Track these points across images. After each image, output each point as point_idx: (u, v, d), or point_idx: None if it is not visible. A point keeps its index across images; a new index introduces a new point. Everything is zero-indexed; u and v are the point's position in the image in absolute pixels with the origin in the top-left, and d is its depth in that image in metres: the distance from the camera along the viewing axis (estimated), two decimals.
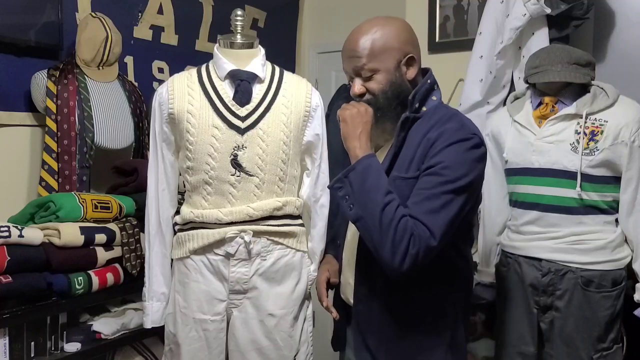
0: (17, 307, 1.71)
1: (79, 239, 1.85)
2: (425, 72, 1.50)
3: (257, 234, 1.69)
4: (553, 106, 1.98)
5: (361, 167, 1.37)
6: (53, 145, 2.07)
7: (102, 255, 1.93)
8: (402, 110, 1.43)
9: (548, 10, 2.27)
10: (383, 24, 1.44)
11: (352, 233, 1.54)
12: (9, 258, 1.68)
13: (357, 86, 1.45)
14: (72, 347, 1.86)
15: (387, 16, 1.49)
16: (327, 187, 1.56)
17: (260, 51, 1.77)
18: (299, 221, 1.80)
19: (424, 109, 1.45)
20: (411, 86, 1.45)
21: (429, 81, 1.46)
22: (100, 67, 2.19)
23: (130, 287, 2.02)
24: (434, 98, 1.47)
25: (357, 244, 1.49)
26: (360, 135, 1.42)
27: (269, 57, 1.80)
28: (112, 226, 1.98)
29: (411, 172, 1.38)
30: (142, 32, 2.56)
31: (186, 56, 2.76)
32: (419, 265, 1.29)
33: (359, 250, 1.49)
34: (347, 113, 1.44)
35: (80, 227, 1.87)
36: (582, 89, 1.97)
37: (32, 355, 1.78)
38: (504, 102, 2.41)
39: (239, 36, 1.75)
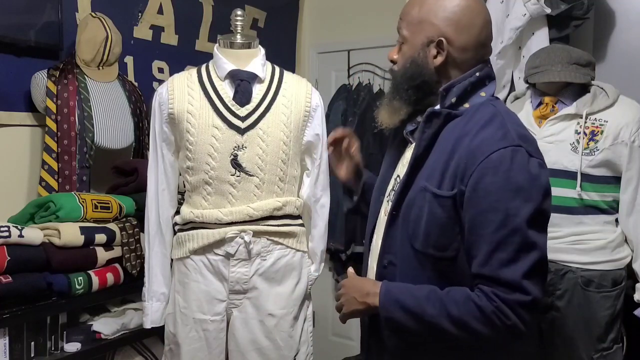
0: (17, 307, 1.71)
1: (79, 239, 1.85)
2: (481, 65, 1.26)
3: (257, 234, 1.69)
4: (553, 106, 1.98)
5: (390, 308, 1.18)
6: (53, 145, 2.07)
7: (102, 255, 1.93)
8: (416, 95, 1.26)
9: (548, 10, 2.27)
10: None
11: (378, 237, 1.34)
12: (9, 258, 1.68)
13: (392, 51, 1.30)
14: (72, 347, 1.86)
15: None
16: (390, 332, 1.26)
17: (260, 51, 1.77)
18: (299, 221, 1.80)
19: (466, 105, 1.23)
20: (438, 75, 1.24)
21: (477, 74, 1.23)
22: (100, 67, 2.19)
23: (130, 287, 2.01)
24: (482, 94, 1.24)
25: (380, 251, 1.30)
26: (361, 302, 1.24)
27: (269, 57, 1.80)
28: (112, 226, 1.98)
29: (445, 188, 1.16)
30: (142, 32, 2.56)
31: (186, 56, 2.75)
32: (529, 324, 1.09)
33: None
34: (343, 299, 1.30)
35: (80, 227, 1.87)
36: (582, 89, 1.97)
37: (32, 355, 1.78)
38: (504, 102, 2.41)
39: (239, 36, 1.75)
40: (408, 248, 1.22)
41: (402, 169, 1.31)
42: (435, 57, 1.22)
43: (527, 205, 1.09)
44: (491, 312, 1.09)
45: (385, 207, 1.34)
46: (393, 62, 1.30)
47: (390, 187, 1.35)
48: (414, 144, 1.28)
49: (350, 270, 1.38)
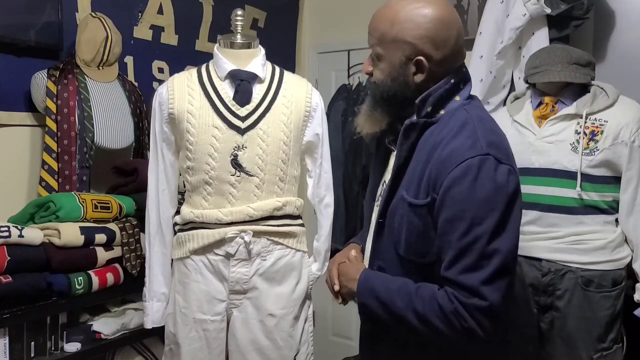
0: (17, 307, 1.71)
1: (79, 239, 1.85)
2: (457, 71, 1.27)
3: (257, 234, 1.69)
4: (553, 106, 1.98)
5: (364, 294, 1.26)
6: (53, 145, 2.07)
7: (102, 255, 1.93)
8: (395, 110, 1.28)
9: (548, 10, 2.27)
10: (411, 7, 1.22)
11: (371, 244, 1.38)
12: (9, 258, 1.68)
13: (366, 64, 1.32)
14: (72, 347, 1.86)
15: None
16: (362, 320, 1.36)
17: (260, 51, 1.77)
18: (299, 221, 1.80)
19: (442, 112, 1.24)
20: (419, 91, 1.24)
21: (452, 80, 1.24)
22: (100, 67, 2.19)
23: (130, 287, 2.01)
24: (457, 98, 1.25)
25: (370, 256, 1.36)
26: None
27: (269, 57, 1.80)
28: (112, 226, 1.98)
29: (421, 197, 1.19)
30: (142, 32, 2.56)
31: (186, 56, 2.75)
32: (489, 330, 1.12)
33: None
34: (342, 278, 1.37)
35: (80, 227, 1.87)
36: (582, 89, 1.97)
37: (32, 355, 1.78)
38: (504, 102, 2.41)
39: (239, 36, 1.75)
40: (393, 254, 1.27)
41: (388, 175, 1.35)
42: (415, 73, 1.23)
43: (492, 214, 1.12)
44: (450, 313, 1.13)
45: (376, 212, 1.38)
46: (369, 74, 1.31)
47: (379, 192, 1.39)
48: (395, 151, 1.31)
49: (352, 245, 1.47)
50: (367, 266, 1.36)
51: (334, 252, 3.08)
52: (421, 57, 1.21)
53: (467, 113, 1.23)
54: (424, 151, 1.22)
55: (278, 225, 1.73)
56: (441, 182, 1.15)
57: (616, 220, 1.94)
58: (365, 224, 1.46)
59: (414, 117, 1.24)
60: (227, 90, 1.70)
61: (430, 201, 1.17)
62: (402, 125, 1.26)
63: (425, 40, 1.21)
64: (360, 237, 1.52)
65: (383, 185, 1.37)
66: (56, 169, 2.07)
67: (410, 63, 1.23)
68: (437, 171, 1.17)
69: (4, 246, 1.69)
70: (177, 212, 1.79)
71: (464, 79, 1.28)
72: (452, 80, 1.25)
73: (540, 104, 2.01)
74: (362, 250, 1.45)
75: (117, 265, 1.98)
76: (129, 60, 2.51)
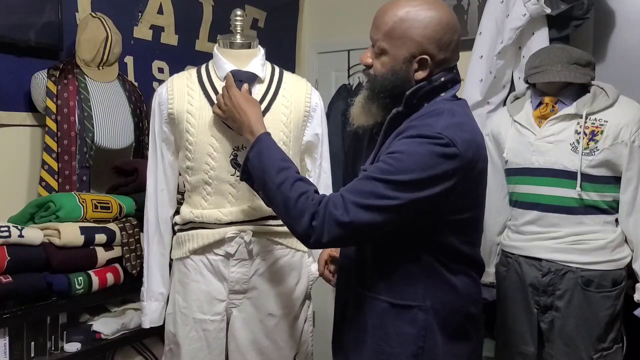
0: (17, 307, 1.71)
1: (79, 239, 1.85)
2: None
3: (256, 234, 1.69)
4: (553, 106, 1.98)
5: (253, 152, 1.41)
6: (53, 145, 2.07)
7: (102, 255, 1.93)
8: (392, 104, 1.33)
9: (548, 10, 2.27)
10: (420, 8, 1.28)
11: None
12: (9, 258, 1.68)
13: (366, 55, 1.36)
14: (72, 347, 1.86)
15: (437, 1, 1.32)
16: (240, 179, 1.51)
17: (260, 51, 1.77)
18: None
19: (425, 104, 1.32)
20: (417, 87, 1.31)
21: (442, 79, 1.31)
22: (100, 67, 2.19)
23: (130, 287, 2.01)
24: (442, 94, 1.32)
25: None
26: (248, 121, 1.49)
27: (269, 57, 1.79)
28: (112, 226, 1.98)
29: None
30: (142, 32, 2.56)
31: (186, 56, 2.75)
32: (332, 238, 1.22)
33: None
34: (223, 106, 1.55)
35: (80, 227, 1.87)
36: (582, 89, 1.97)
37: (32, 355, 1.78)
38: (504, 102, 2.41)
39: (238, 36, 1.75)
40: None
41: None
42: (416, 71, 1.30)
43: (409, 175, 1.19)
44: (310, 204, 1.24)
45: None
46: (367, 66, 1.36)
47: None
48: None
49: (245, 87, 1.61)
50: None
51: None
52: (426, 56, 1.28)
53: (442, 106, 1.30)
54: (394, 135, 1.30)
55: (278, 225, 1.72)
56: (392, 146, 1.25)
57: (616, 220, 1.94)
58: None
59: (400, 108, 1.31)
60: None
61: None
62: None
63: (432, 41, 1.27)
64: None
65: None
66: (56, 169, 2.07)
67: (414, 60, 1.29)
68: (392, 142, 1.27)
69: (4, 246, 1.69)
70: (177, 212, 1.79)
71: (454, 80, 1.34)
72: (442, 79, 1.31)
73: (540, 104, 2.01)
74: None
75: (117, 265, 1.98)
76: (129, 60, 2.51)
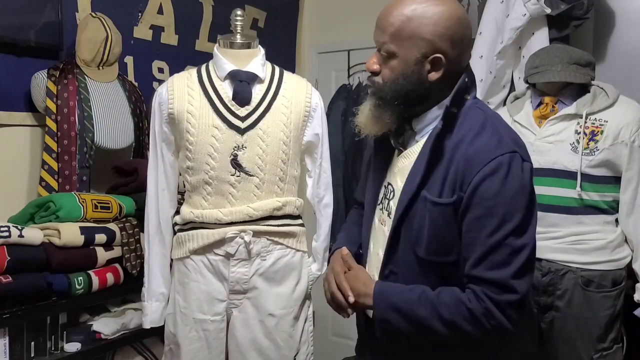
0: (17, 307, 1.71)
1: (79, 239, 1.85)
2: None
3: (257, 234, 1.69)
4: (553, 106, 1.98)
5: (383, 309, 1.23)
6: (53, 145, 2.07)
7: (102, 255, 1.93)
8: (406, 109, 1.25)
9: (548, 10, 2.27)
10: (427, 4, 1.19)
11: (375, 245, 1.36)
12: (9, 258, 1.68)
13: (372, 61, 1.26)
14: (72, 347, 1.86)
15: None
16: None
17: (260, 51, 1.77)
18: (299, 221, 1.80)
19: (454, 110, 1.23)
20: (431, 89, 1.22)
21: (466, 79, 1.23)
22: (100, 67, 2.19)
23: (130, 287, 2.01)
24: (466, 97, 1.24)
25: (383, 262, 1.31)
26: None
27: (269, 57, 1.80)
28: (112, 226, 1.98)
29: (445, 195, 1.18)
30: (142, 32, 2.56)
31: (186, 56, 2.75)
32: (517, 322, 1.13)
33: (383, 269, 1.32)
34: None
35: (80, 227, 1.87)
36: (582, 89, 1.97)
37: (32, 355, 1.78)
38: (504, 102, 2.41)
39: (238, 36, 1.75)
40: (411, 256, 1.24)
41: (393, 177, 1.32)
42: (429, 72, 1.21)
43: (520, 211, 1.14)
44: (480, 314, 1.13)
45: (380, 215, 1.35)
46: (374, 73, 1.26)
47: (381, 194, 1.36)
48: (404, 151, 1.30)
49: (345, 251, 1.39)
50: (374, 273, 1.33)
51: (334, 251, 3.08)
52: (440, 55, 1.19)
53: (482, 112, 1.23)
54: (445, 150, 1.20)
55: (278, 225, 1.73)
56: (469, 180, 1.15)
57: (616, 220, 1.94)
58: (363, 228, 1.42)
59: (441, 123, 1.21)
60: (226, 91, 1.70)
61: (457, 199, 1.17)
62: (409, 125, 1.28)
63: (444, 38, 1.18)
64: (347, 241, 1.48)
65: (387, 187, 1.34)
66: (56, 169, 2.07)
67: (426, 61, 1.20)
68: (464, 170, 1.16)
69: (4, 246, 1.69)
70: (177, 212, 1.79)
71: (472, 79, 1.27)
72: (466, 79, 1.24)
73: (540, 104, 2.01)
74: (358, 258, 1.41)
75: (117, 265, 1.98)
76: (129, 60, 2.51)
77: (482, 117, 1.21)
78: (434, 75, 1.21)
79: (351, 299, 1.29)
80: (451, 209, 1.18)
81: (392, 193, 1.31)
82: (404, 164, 1.29)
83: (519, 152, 1.17)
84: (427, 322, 1.17)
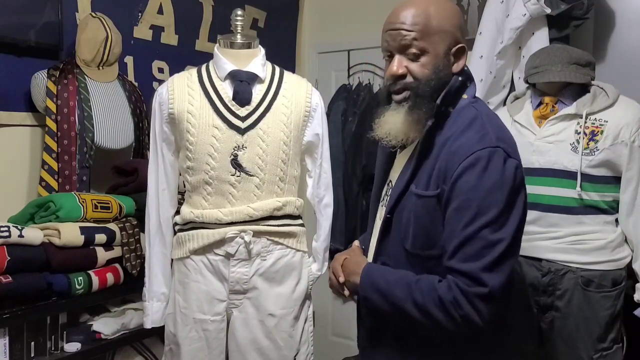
0: (17, 307, 1.71)
1: (79, 239, 1.85)
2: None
3: (257, 234, 1.69)
4: (553, 106, 1.98)
5: (365, 288, 1.28)
6: (53, 145, 2.07)
7: (102, 255, 1.93)
8: (442, 105, 1.25)
9: (548, 10, 2.27)
10: (437, 1, 1.26)
11: (374, 240, 1.39)
12: (9, 258, 1.68)
13: (398, 65, 1.25)
14: (72, 347, 1.86)
15: None
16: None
17: (260, 51, 1.77)
18: (299, 221, 1.80)
19: (450, 109, 1.26)
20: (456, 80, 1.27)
21: (460, 78, 1.27)
22: (100, 67, 2.19)
23: (130, 287, 2.01)
24: (464, 96, 1.28)
25: (374, 253, 1.36)
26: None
27: (269, 57, 1.80)
28: (112, 226, 1.98)
29: (431, 189, 1.21)
30: (142, 32, 2.56)
31: (186, 56, 2.75)
32: (486, 317, 1.14)
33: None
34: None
35: (80, 227, 1.87)
36: (582, 89, 1.97)
37: (32, 355, 1.78)
38: (504, 102, 2.41)
39: (239, 36, 1.75)
40: (400, 249, 1.28)
41: (394, 174, 1.37)
42: (454, 63, 1.27)
43: (497, 205, 1.15)
44: (448, 303, 1.15)
45: (380, 212, 1.39)
46: (403, 76, 1.25)
47: (384, 192, 1.41)
48: (405, 149, 1.33)
49: (355, 244, 1.47)
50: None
51: (333, 252, 3.09)
52: (463, 44, 1.27)
53: (475, 110, 1.26)
54: (435, 147, 1.24)
55: (278, 225, 1.73)
56: (451, 174, 1.17)
57: (616, 220, 1.94)
58: (369, 225, 1.47)
59: (433, 119, 1.24)
60: (227, 91, 1.70)
61: (440, 192, 1.20)
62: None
63: (459, 29, 1.27)
64: (361, 240, 1.52)
65: (389, 185, 1.38)
66: (56, 169, 2.07)
67: (450, 53, 1.26)
68: (447, 163, 1.19)
69: (4, 246, 1.69)
70: (177, 212, 1.79)
71: (470, 77, 1.31)
72: (460, 78, 1.27)
73: (540, 104, 2.01)
74: (364, 252, 1.45)
75: (117, 265, 1.98)
76: (129, 60, 2.51)
77: (473, 115, 1.24)
78: (457, 66, 1.27)
79: (341, 279, 1.36)
80: (434, 201, 1.21)
81: (391, 190, 1.35)
82: (403, 162, 1.33)
83: (502, 148, 1.17)
84: (402, 303, 1.21)
